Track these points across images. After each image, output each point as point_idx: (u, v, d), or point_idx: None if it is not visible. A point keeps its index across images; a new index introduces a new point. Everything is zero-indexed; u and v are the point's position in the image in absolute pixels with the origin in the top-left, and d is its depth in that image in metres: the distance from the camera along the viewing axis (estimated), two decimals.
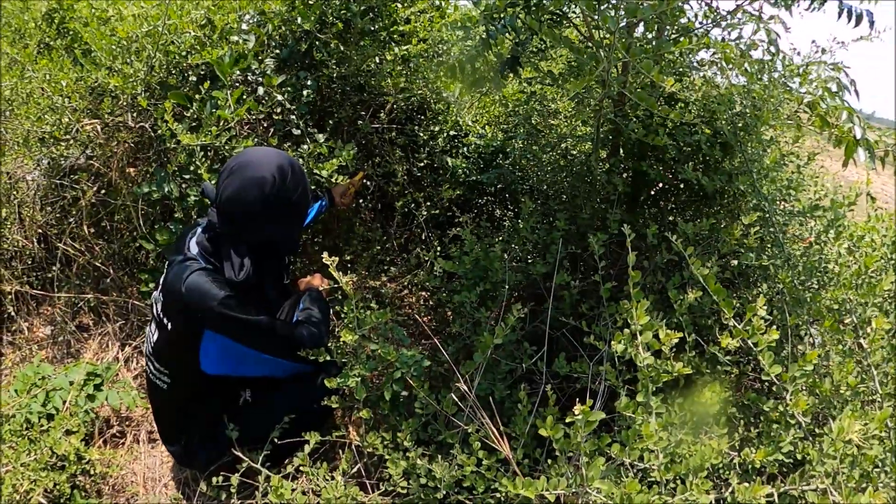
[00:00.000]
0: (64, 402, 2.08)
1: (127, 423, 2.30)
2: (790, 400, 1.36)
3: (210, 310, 1.63)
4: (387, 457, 1.61)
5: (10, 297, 2.51)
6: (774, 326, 1.50)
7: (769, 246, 1.99)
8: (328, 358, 1.77)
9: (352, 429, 2.14)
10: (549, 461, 1.60)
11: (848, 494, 1.24)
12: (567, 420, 1.24)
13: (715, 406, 1.38)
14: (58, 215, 2.55)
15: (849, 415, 1.25)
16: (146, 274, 2.38)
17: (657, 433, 1.28)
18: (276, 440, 1.76)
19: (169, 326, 1.72)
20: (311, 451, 1.63)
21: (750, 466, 1.34)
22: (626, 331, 1.44)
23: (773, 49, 2.05)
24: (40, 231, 2.52)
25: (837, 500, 1.21)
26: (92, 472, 2.01)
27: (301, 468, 1.60)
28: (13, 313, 2.51)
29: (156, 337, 1.79)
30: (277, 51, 2.34)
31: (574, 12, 2.14)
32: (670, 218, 2.35)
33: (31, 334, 2.58)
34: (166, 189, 2.14)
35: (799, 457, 1.41)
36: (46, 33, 2.52)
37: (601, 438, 1.33)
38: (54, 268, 2.55)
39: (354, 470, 1.74)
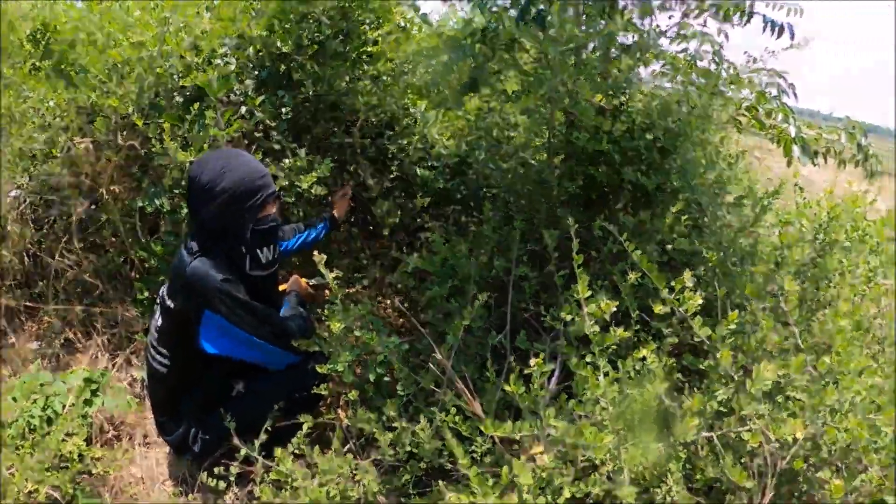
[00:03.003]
0: (63, 407, 2.20)
1: (122, 426, 2.41)
2: (719, 356, 1.61)
3: (211, 289, 1.85)
4: (374, 431, 1.79)
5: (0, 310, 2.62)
6: (705, 298, 1.75)
7: (701, 232, 2.26)
8: (316, 348, 1.96)
9: (341, 413, 2.32)
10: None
11: (775, 430, 1.48)
12: (526, 372, 1.45)
13: (655, 364, 1.61)
14: (44, 231, 2.68)
15: (767, 363, 1.50)
16: (141, 283, 2.53)
17: (605, 387, 1.51)
18: (269, 428, 1.91)
19: (172, 306, 1.92)
20: (304, 437, 1.80)
21: (688, 414, 1.57)
22: (574, 304, 1.68)
23: (716, 59, 2.31)
24: (29, 246, 2.64)
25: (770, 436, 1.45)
26: (93, 472, 2.12)
27: (297, 451, 1.77)
28: (5, 326, 2.61)
29: (160, 322, 1.98)
30: (256, 72, 2.55)
31: (523, 40, 2.40)
32: (619, 215, 2.61)
33: (21, 347, 2.68)
34: (158, 203, 2.31)
35: (734, 407, 1.64)
36: (32, 54, 2.66)
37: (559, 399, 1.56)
38: (41, 283, 2.66)
39: (346, 448, 1.92)
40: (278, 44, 2.46)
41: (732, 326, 1.65)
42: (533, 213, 2.61)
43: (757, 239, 2.21)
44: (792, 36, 2.24)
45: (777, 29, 2.25)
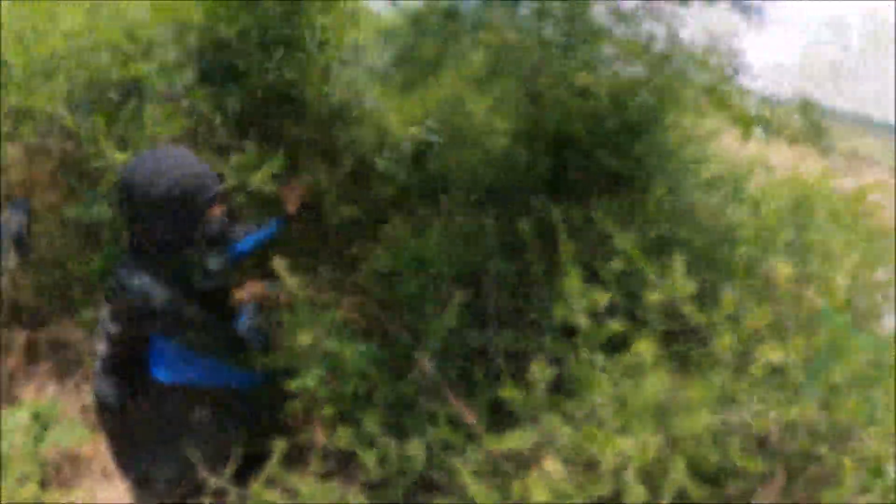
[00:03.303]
0: (11, 447, 1.99)
1: (77, 461, 2.21)
2: (715, 342, 1.54)
3: (158, 311, 1.64)
4: (356, 450, 1.66)
5: None
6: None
7: (680, 216, 2.21)
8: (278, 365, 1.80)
9: (317, 429, 2.17)
10: (508, 428, 1.72)
11: (783, 412, 1.43)
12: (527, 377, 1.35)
13: (650, 355, 1.53)
14: None
15: (770, 344, 1.45)
16: (82, 302, 2.30)
17: (603, 384, 1.43)
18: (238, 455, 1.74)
19: (117, 334, 1.71)
20: (278, 461, 1.65)
21: (693, 404, 1.50)
22: (563, 299, 1.59)
23: (673, 42, 2.26)
24: None
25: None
26: None
27: (272, 477, 1.62)
28: None
29: (104, 351, 1.75)
30: (199, 63, 2.33)
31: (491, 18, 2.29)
32: (595, 201, 2.53)
33: None
34: (96, 211, 2.08)
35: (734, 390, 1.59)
36: None
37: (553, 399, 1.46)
38: None
39: (326, 470, 1.78)
40: (222, 30, 2.25)
41: (728, 311, 1.59)
42: (505, 202, 2.50)
43: (737, 220, 2.17)
44: (760, 18, 2.19)
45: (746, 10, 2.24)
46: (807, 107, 2.36)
